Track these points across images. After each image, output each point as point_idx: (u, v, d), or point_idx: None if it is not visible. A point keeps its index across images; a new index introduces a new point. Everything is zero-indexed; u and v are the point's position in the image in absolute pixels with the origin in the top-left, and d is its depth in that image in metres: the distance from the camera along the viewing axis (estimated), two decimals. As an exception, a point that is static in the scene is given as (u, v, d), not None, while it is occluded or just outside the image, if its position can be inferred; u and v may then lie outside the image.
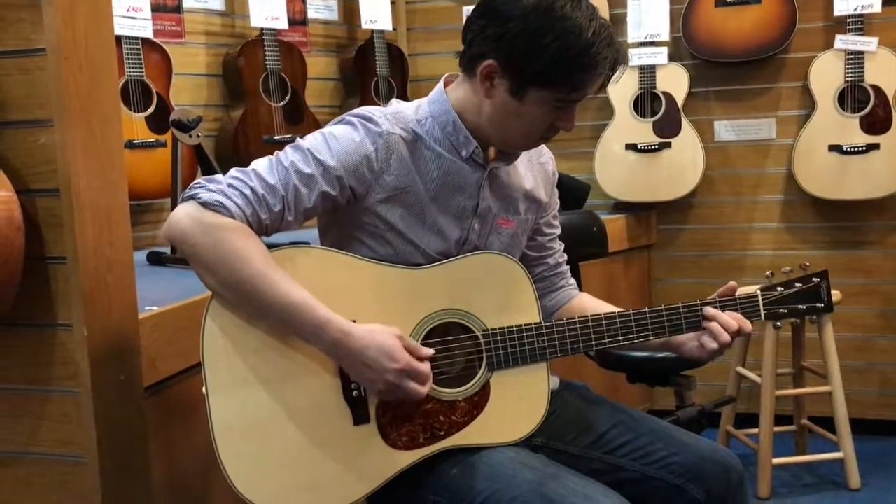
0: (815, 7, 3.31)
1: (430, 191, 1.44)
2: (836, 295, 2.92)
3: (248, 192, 1.32)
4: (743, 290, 1.52)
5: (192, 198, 1.31)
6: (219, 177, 1.35)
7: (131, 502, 1.47)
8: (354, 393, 1.36)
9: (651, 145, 3.39)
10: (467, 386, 1.42)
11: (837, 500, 2.91)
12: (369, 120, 1.40)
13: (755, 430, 3.00)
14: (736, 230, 3.51)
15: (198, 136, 2.31)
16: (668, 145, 3.38)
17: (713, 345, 1.45)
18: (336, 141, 1.38)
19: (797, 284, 1.51)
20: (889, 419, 3.42)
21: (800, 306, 1.51)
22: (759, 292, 1.51)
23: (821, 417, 3.13)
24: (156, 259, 2.37)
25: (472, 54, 1.41)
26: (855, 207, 3.33)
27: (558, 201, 1.68)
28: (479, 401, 1.42)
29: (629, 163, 3.42)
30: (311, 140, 1.39)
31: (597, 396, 1.63)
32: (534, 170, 1.60)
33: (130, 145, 2.64)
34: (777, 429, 2.99)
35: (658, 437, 1.51)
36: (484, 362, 1.43)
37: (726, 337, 1.44)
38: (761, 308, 1.51)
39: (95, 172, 1.41)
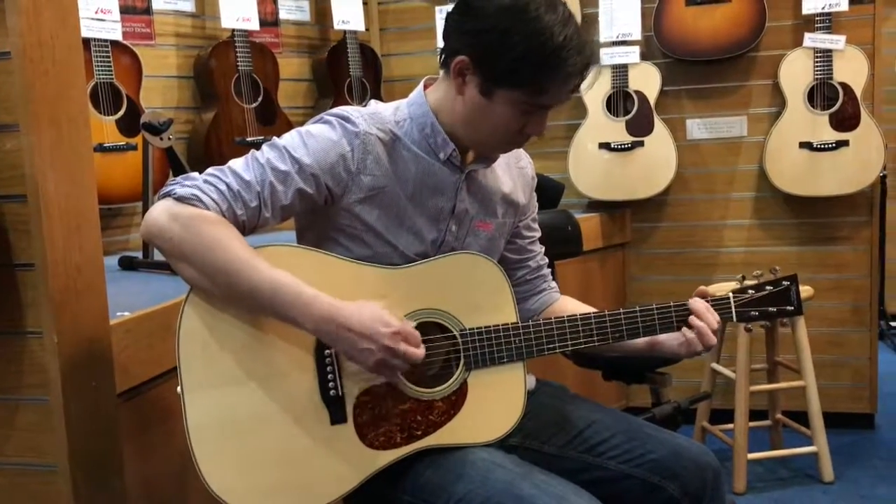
0: (784, 5, 3.34)
1: (407, 192, 1.44)
2: (807, 291, 2.97)
3: (223, 188, 1.32)
4: (716, 288, 1.53)
5: (167, 194, 1.31)
6: (194, 174, 1.35)
7: (105, 511, 1.46)
8: (332, 392, 1.36)
9: (624, 144, 3.40)
10: (444, 386, 1.42)
11: (811, 493, 2.94)
12: (347, 120, 1.40)
13: (730, 426, 3.03)
14: (709, 227, 3.54)
15: (169, 138, 2.29)
16: (641, 144, 3.40)
17: (698, 347, 1.47)
18: (313, 139, 1.38)
19: (768, 287, 1.54)
20: (861, 412, 3.46)
21: (770, 309, 1.54)
22: (730, 295, 1.53)
23: (795, 412, 3.17)
24: (128, 264, 2.35)
25: (447, 49, 1.41)
26: (825, 203, 3.37)
27: (537, 205, 1.69)
28: (456, 400, 1.42)
29: (603, 162, 3.43)
30: (288, 138, 1.39)
31: (573, 395, 1.64)
32: (512, 173, 1.61)
33: (101, 149, 2.61)
34: (752, 424, 3.02)
35: (634, 436, 1.51)
36: (461, 362, 1.43)
37: (711, 340, 1.46)
38: (733, 310, 1.53)
39: (64, 177, 1.39)
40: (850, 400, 3.46)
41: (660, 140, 3.40)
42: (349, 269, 1.40)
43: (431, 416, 1.41)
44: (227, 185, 1.32)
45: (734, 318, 1.53)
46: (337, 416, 1.36)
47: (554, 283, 1.72)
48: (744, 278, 1.56)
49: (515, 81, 1.34)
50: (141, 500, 1.60)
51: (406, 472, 1.41)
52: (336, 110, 1.43)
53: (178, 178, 1.34)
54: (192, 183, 1.32)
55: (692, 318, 1.47)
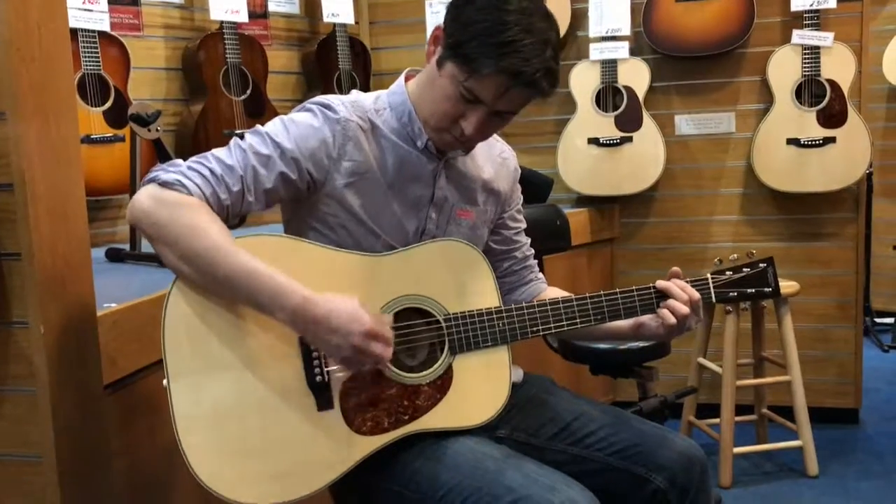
0: (772, 2, 3.35)
1: (387, 179, 1.46)
2: (793, 286, 2.99)
3: (206, 172, 1.34)
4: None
5: (152, 180, 1.33)
6: (178, 161, 1.37)
7: (91, 502, 1.45)
8: (318, 378, 1.36)
9: (613, 139, 3.41)
10: (430, 370, 1.43)
11: (796, 487, 2.97)
12: (328, 107, 1.42)
13: (717, 420, 3.05)
14: (697, 223, 3.56)
15: (157, 130, 2.28)
16: (630, 139, 3.41)
17: (671, 319, 1.47)
18: (294, 126, 1.40)
19: (745, 269, 1.57)
20: (846, 407, 3.49)
21: (748, 290, 1.57)
22: (709, 276, 1.56)
23: (780, 406, 3.19)
24: (115, 256, 2.34)
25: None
26: (812, 200, 3.39)
27: (521, 197, 1.69)
28: (442, 384, 1.43)
29: (591, 157, 3.44)
30: (271, 125, 1.41)
31: (560, 388, 1.64)
32: (494, 162, 1.61)
33: (88, 140, 2.60)
34: (738, 418, 3.03)
35: (621, 428, 1.52)
36: (446, 346, 1.43)
37: (684, 308, 1.47)
38: (712, 290, 1.54)
39: (50, 166, 1.38)
40: (835, 395, 3.49)
41: (648, 136, 3.41)
42: (332, 257, 1.40)
43: (418, 401, 1.41)
44: (211, 171, 1.34)
45: (713, 299, 1.54)
46: (323, 403, 1.36)
47: (541, 274, 1.72)
48: (721, 262, 1.59)
49: (457, 55, 1.34)
50: (127, 491, 1.59)
51: (395, 463, 1.41)
52: (318, 98, 1.45)
53: (163, 165, 1.35)
54: (177, 169, 1.34)
55: (670, 301, 1.48)
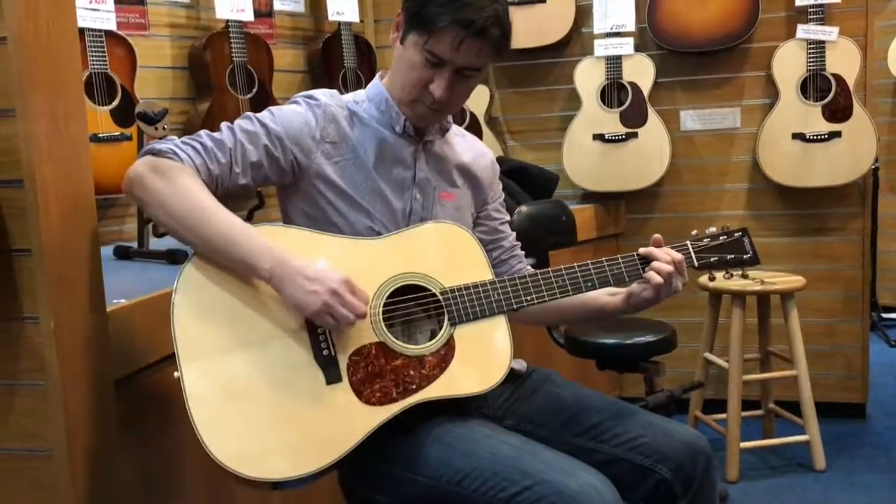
0: (777, -3, 3.36)
1: (370, 161, 1.55)
2: (799, 281, 2.99)
3: (197, 146, 1.44)
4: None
5: (147, 152, 1.43)
6: (172, 136, 1.48)
7: (102, 495, 1.46)
8: (325, 353, 1.39)
9: (618, 135, 3.41)
10: (433, 342, 1.47)
11: (803, 482, 2.97)
12: (311, 97, 1.56)
13: (723, 415, 3.05)
14: (703, 218, 3.55)
15: (164, 128, 2.29)
16: (635, 135, 3.41)
17: (658, 279, 1.53)
18: (280, 111, 1.52)
19: (722, 237, 1.65)
20: (853, 402, 3.49)
21: (728, 256, 1.64)
22: (688, 242, 1.63)
23: (787, 401, 3.19)
24: (123, 253, 2.35)
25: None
26: (818, 194, 3.39)
27: (503, 194, 1.78)
28: (445, 354, 1.46)
29: (597, 153, 3.44)
30: (260, 112, 1.53)
31: (565, 381, 1.65)
32: (473, 152, 1.71)
33: (95, 139, 2.61)
34: (745, 413, 3.04)
35: (626, 419, 1.53)
36: (446, 318, 1.48)
37: (667, 267, 1.53)
38: (692, 254, 1.62)
39: (60, 162, 1.39)
40: (841, 390, 3.48)
41: (654, 131, 3.41)
42: (329, 241, 1.48)
43: (424, 371, 1.44)
44: (202, 144, 1.44)
45: (695, 263, 1.61)
46: (332, 376, 1.39)
47: (527, 262, 1.77)
48: (697, 233, 1.66)
49: (416, 21, 1.46)
50: (137, 485, 1.61)
51: (408, 449, 1.43)
52: (303, 92, 1.58)
53: (157, 140, 1.46)
54: (170, 143, 1.44)
55: (654, 263, 1.55)
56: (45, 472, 1.41)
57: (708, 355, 3.20)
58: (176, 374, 1.33)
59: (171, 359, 1.56)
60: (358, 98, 1.60)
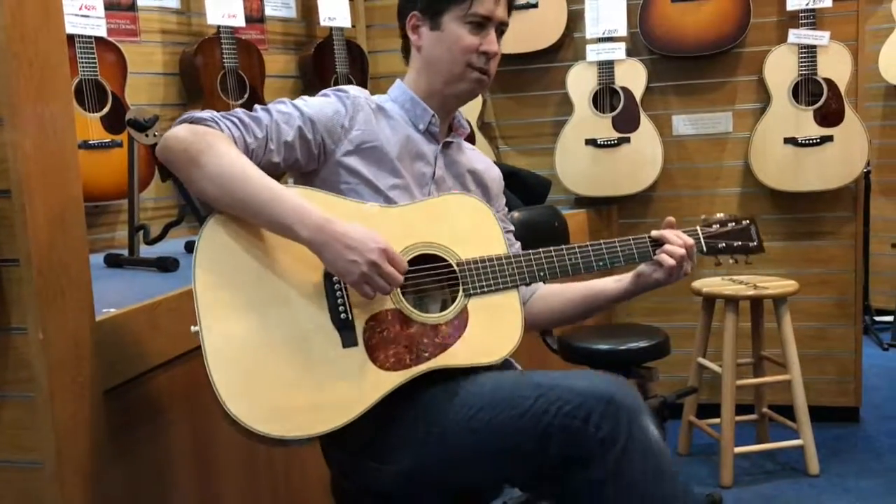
0: (769, 2, 3.36)
1: (394, 152, 1.58)
2: (792, 285, 2.99)
3: (235, 120, 1.48)
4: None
5: (185, 119, 1.45)
6: (210, 110, 1.49)
7: (91, 507, 1.45)
8: (343, 316, 1.41)
9: (610, 140, 3.42)
10: (448, 311, 1.49)
11: (797, 486, 2.97)
12: (340, 90, 1.61)
13: (717, 420, 3.05)
14: (695, 223, 3.54)
15: (154, 135, 2.27)
16: (627, 140, 3.41)
17: (670, 261, 1.57)
18: (311, 99, 1.58)
19: (730, 224, 1.69)
20: (846, 406, 3.49)
21: (735, 243, 1.68)
22: (698, 227, 1.68)
23: (780, 406, 3.19)
24: (113, 261, 2.33)
25: (402, 24, 1.63)
26: (810, 199, 3.40)
27: (506, 209, 1.82)
28: (459, 324, 1.49)
29: (589, 158, 3.44)
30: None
31: (507, 364, 1.58)
32: (484, 163, 1.78)
33: (85, 146, 2.60)
34: (738, 418, 3.04)
35: (542, 391, 1.35)
36: (461, 289, 1.51)
37: (680, 250, 1.57)
38: (702, 240, 1.67)
39: (48, 172, 1.38)
40: (835, 394, 3.49)
41: (646, 136, 3.41)
42: (351, 206, 1.50)
43: (437, 339, 1.46)
44: (239, 118, 1.48)
45: (704, 248, 1.66)
46: (348, 340, 1.41)
47: None
48: (706, 217, 1.70)
49: (450, 1, 1.54)
50: (126, 497, 1.59)
51: (414, 406, 1.43)
52: (332, 87, 1.63)
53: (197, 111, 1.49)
54: (208, 113, 1.46)
55: (666, 246, 1.59)
56: (33, 483, 1.40)
57: (701, 360, 3.20)
58: (194, 328, 1.35)
59: (161, 369, 1.56)
60: (382, 99, 1.66)
